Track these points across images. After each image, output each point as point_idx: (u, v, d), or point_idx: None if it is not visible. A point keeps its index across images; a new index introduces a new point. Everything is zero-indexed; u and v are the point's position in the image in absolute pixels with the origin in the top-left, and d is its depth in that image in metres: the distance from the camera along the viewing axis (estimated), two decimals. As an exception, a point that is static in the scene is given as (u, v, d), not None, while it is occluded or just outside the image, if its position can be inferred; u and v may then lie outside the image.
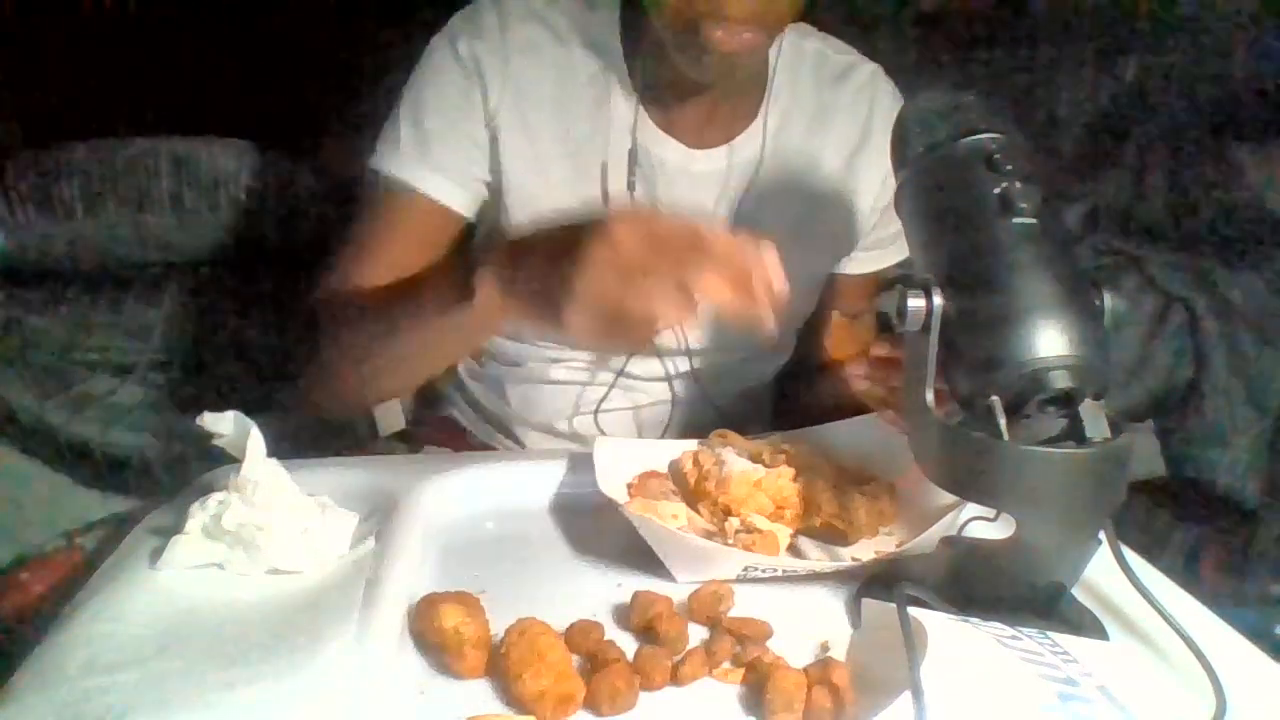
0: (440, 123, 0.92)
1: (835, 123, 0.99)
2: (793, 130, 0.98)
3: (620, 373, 1.00)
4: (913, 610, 0.53)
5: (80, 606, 0.58)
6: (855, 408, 0.86)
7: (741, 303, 0.61)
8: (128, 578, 0.62)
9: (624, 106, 0.94)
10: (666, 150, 0.95)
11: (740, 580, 0.66)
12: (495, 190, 0.96)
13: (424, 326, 0.79)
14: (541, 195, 0.94)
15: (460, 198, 0.94)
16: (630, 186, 0.93)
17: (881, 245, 1.04)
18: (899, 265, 1.42)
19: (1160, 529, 1.67)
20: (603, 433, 1.02)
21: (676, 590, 0.64)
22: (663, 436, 1.04)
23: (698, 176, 0.96)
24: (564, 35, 0.95)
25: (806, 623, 0.63)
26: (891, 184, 0.98)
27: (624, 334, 0.62)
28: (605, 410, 1.03)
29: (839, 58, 1.00)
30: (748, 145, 0.96)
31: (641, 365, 1.00)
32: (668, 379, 1.01)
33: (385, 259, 0.93)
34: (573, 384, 1.04)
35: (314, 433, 1.52)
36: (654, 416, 1.04)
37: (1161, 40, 1.87)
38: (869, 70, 1.01)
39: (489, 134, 0.94)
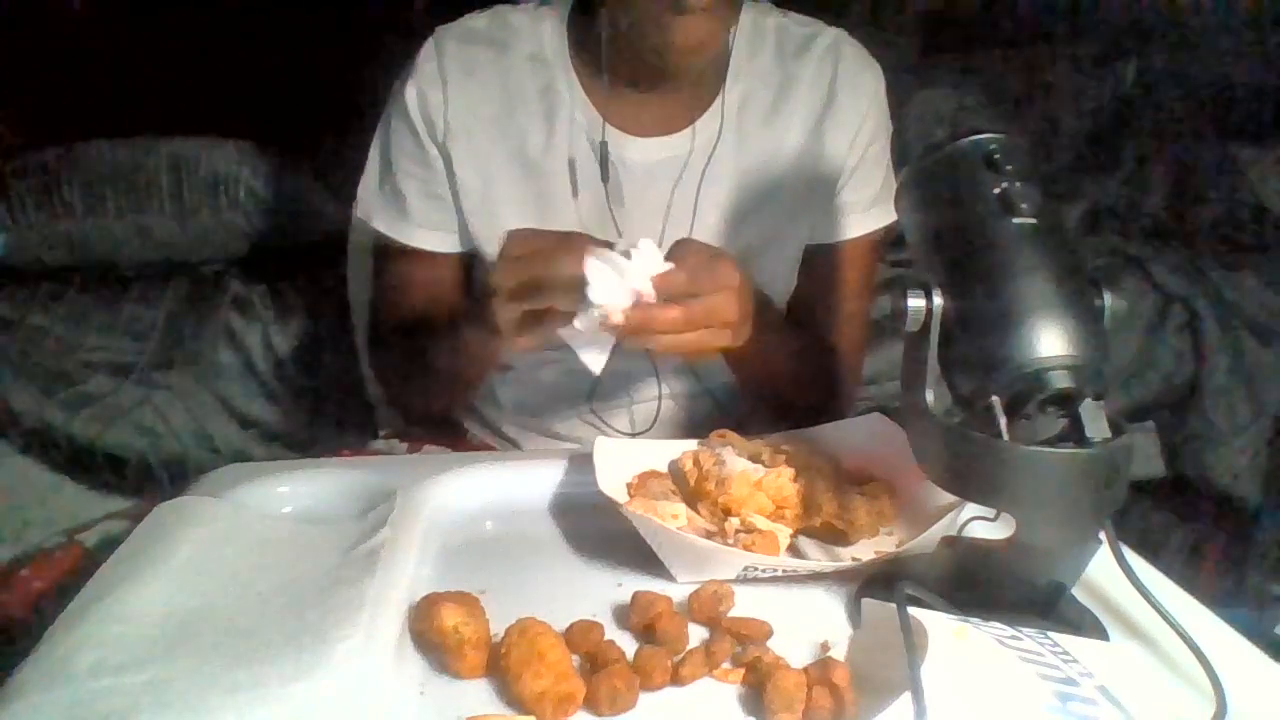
0: (404, 177, 0.98)
1: (799, 93, 0.98)
2: (755, 106, 0.97)
3: (603, 374, 1.00)
4: (913, 610, 0.53)
5: (89, 606, 0.58)
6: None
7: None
8: (137, 578, 0.62)
9: (579, 112, 0.95)
10: (627, 145, 0.95)
11: (740, 580, 0.66)
12: (460, 216, 0.98)
13: (454, 353, 0.91)
14: (499, 213, 0.96)
15: (442, 240, 1.00)
16: (605, 190, 0.94)
17: (858, 209, 1.01)
18: (897, 260, 1.42)
19: (1160, 529, 1.67)
20: (605, 430, 1.03)
21: (676, 590, 0.64)
22: (655, 429, 1.03)
23: (661, 164, 0.96)
24: (507, 52, 0.96)
25: (806, 623, 0.63)
26: (861, 143, 0.98)
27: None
28: (597, 407, 1.03)
29: (800, 30, 1.00)
30: (709, 126, 0.96)
31: (633, 360, 1.00)
32: (657, 374, 1.01)
33: (406, 306, 1.03)
34: (562, 385, 1.04)
35: (314, 433, 1.52)
36: (649, 412, 1.04)
37: (1161, 40, 1.87)
38: (831, 36, 1.00)
39: (445, 166, 0.97)
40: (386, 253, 1.03)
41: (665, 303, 0.70)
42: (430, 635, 0.58)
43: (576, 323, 0.70)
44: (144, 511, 0.71)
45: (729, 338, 0.75)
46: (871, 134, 0.99)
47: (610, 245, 0.71)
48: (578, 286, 0.68)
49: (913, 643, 0.50)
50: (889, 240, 1.06)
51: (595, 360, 0.75)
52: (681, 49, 0.84)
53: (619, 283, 0.69)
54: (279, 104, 1.60)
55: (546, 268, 0.70)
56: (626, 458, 0.79)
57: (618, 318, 0.69)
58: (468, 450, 1.08)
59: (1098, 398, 0.56)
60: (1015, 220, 0.58)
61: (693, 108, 0.96)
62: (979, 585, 0.59)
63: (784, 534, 0.72)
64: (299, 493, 0.78)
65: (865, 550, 0.72)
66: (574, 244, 0.70)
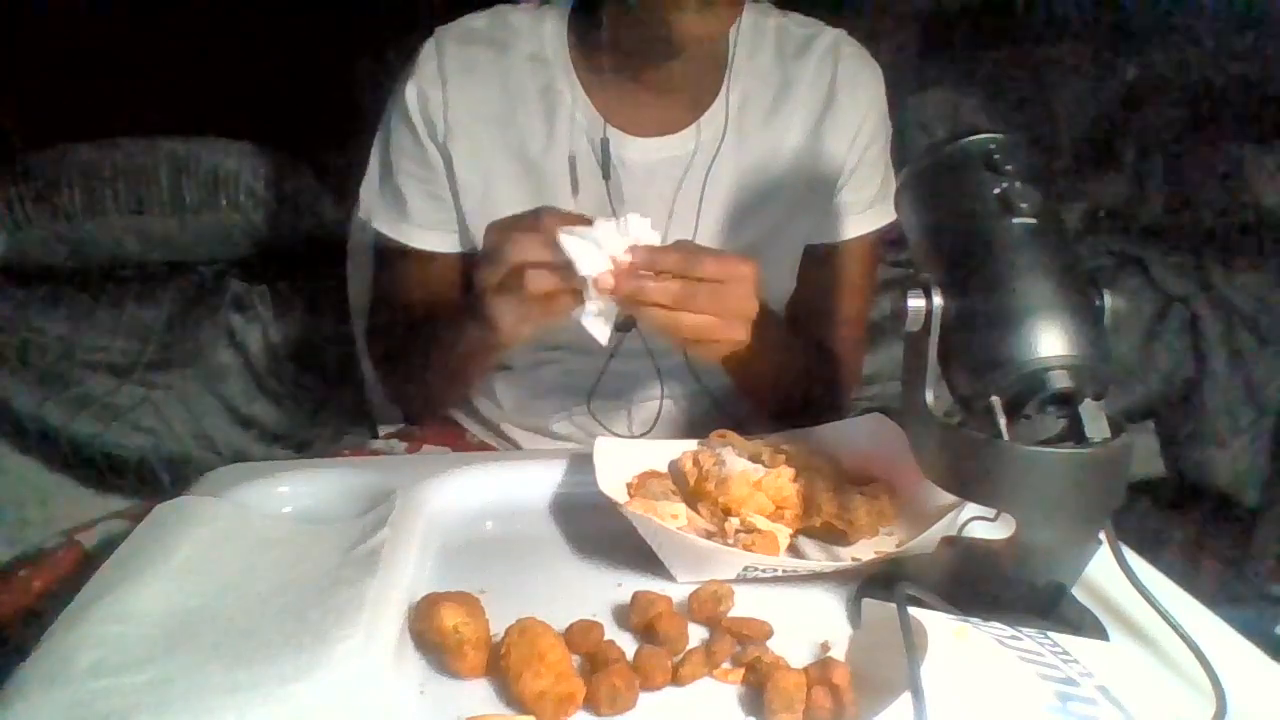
0: (405, 177, 0.98)
1: (799, 93, 0.98)
2: (756, 106, 0.97)
3: (604, 372, 1.00)
4: (913, 610, 0.53)
5: (89, 606, 0.58)
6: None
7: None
8: (137, 578, 0.61)
9: (579, 112, 0.95)
10: (627, 145, 0.95)
11: (740, 580, 0.66)
12: (460, 216, 0.99)
13: (454, 350, 0.90)
14: (499, 212, 0.95)
15: (442, 241, 1.00)
16: (607, 190, 0.94)
17: (858, 209, 1.01)
18: (897, 260, 1.42)
19: (1160, 529, 1.67)
20: (604, 430, 1.03)
21: (676, 590, 0.64)
22: (656, 429, 1.03)
23: (662, 164, 0.96)
24: (507, 51, 0.96)
25: (806, 623, 0.63)
26: (861, 143, 0.98)
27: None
28: (597, 407, 1.03)
29: (800, 30, 1.00)
30: (710, 126, 0.96)
31: (633, 360, 1.00)
32: (659, 374, 1.01)
33: (406, 305, 1.02)
34: (561, 385, 1.04)
35: (314, 433, 1.52)
36: (649, 413, 1.04)
37: (1161, 40, 1.87)
38: (831, 37, 1.00)
39: (445, 166, 0.97)
40: (387, 253, 1.03)
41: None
42: (430, 635, 0.58)
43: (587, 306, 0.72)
44: (144, 511, 0.71)
45: (743, 330, 0.75)
46: (871, 134, 0.99)
47: (589, 221, 0.72)
48: (554, 263, 0.70)
49: (913, 643, 0.50)
50: (889, 240, 1.06)
51: (600, 331, 0.74)
52: (683, 38, 0.84)
53: (598, 252, 0.69)
54: (279, 104, 1.60)
55: (521, 254, 0.71)
56: (626, 458, 0.79)
57: (606, 283, 0.69)
58: (468, 450, 1.08)
59: (1098, 398, 0.56)
60: (1015, 220, 0.58)
61: (693, 108, 0.96)
62: (979, 585, 0.59)
63: (784, 534, 0.72)
64: (299, 493, 0.78)
65: (865, 550, 0.72)
66: (541, 223, 0.71)
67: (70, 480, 1.48)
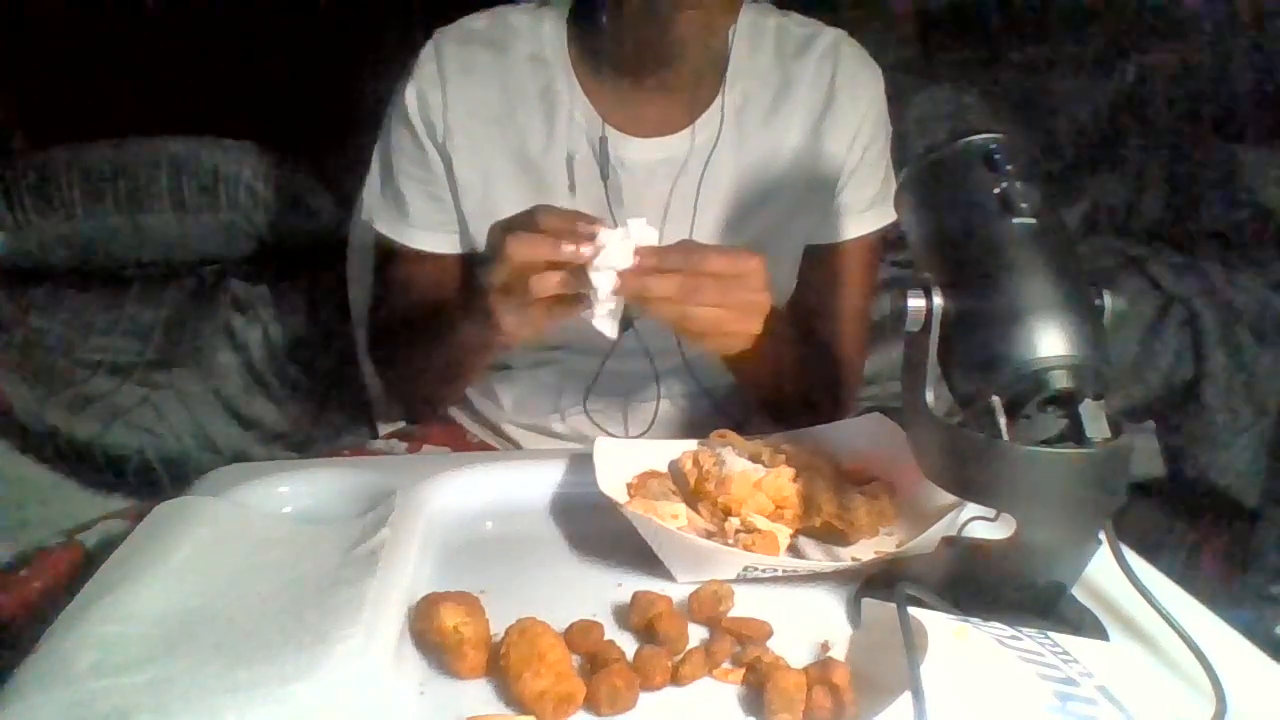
0: (405, 178, 0.98)
1: (798, 94, 0.98)
2: (755, 106, 0.97)
3: (600, 372, 1.00)
4: (913, 610, 0.53)
5: (89, 606, 0.58)
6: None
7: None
8: (137, 578, 0.62)
9: (578, 112, 0.95)
10: (626, 146, 0.95)
11: (740, 580, 0.66)
12: (460, 217, 0.99)
13: (454, 348, 0.91)
14: (499, 213, 0.95)
15: (442, 241, 1.00)
16: (605, 190, 0.94)
17: (858, 210, 1.01)
18: (897, 260, 1.42)
19: (1160, 529, 1.67)
20: (603, 430, 1.03)
21: (676, 590, 0.64)
22: (654, 429, 1.03)
23: (661, 164, 0.96)
24: (507, 52, 0.96)
25: (806, 623, 0.63)
26: (861, 143, 0.98)
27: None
28: (595, 407, 1.03)
29: (800, 30, 1.00)
30: (709, 126, 0.96)
31: (631, 360, 1.00)
32: (656, 375, 1.01)
33: (407, 305, 1.03)
34: (561, 384, 1.04)
35: (314, 433, 1.52)
36: (647, 413, 1.04)
37: (1161, 40, 1.87)
38: (831, 37, 1.00)
39: (445, 167, 0.97)
40: (388, 254, 1.03)
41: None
42: (430, 635, 0.58)
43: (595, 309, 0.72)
44: (144, 511, 0.71)
45: (754, 322, 0.74)
46: (871, 135, 0.99)
47: (588, 218, 0.72)
48: (557, 264, 0.70)
49: (913, 643, 0.50)
50: (889, 240, 1.06)
51: (610, 328, 0.74)
52: (681, 42, 0.84)
53: (612, 261, 0.70)
54: (279, 104, 1.60)
55: (524, 256, 0.71)
56: (626, 458, 0.79)
57: (615, 285, 0.70)
58: (468, 450, 1.08)
59: (1098, 398, 0.56)
60: (1015, 220, 0.58)
61: (692, 108, 0.96)
62: (979, 585, 0.59)
63: (784, 534, 0.72)
64: (299, 493, 0.78)
65: (865, 550, 0.72)
66: (543, 223, 0.71)
67: (70, 480, 1.48)
